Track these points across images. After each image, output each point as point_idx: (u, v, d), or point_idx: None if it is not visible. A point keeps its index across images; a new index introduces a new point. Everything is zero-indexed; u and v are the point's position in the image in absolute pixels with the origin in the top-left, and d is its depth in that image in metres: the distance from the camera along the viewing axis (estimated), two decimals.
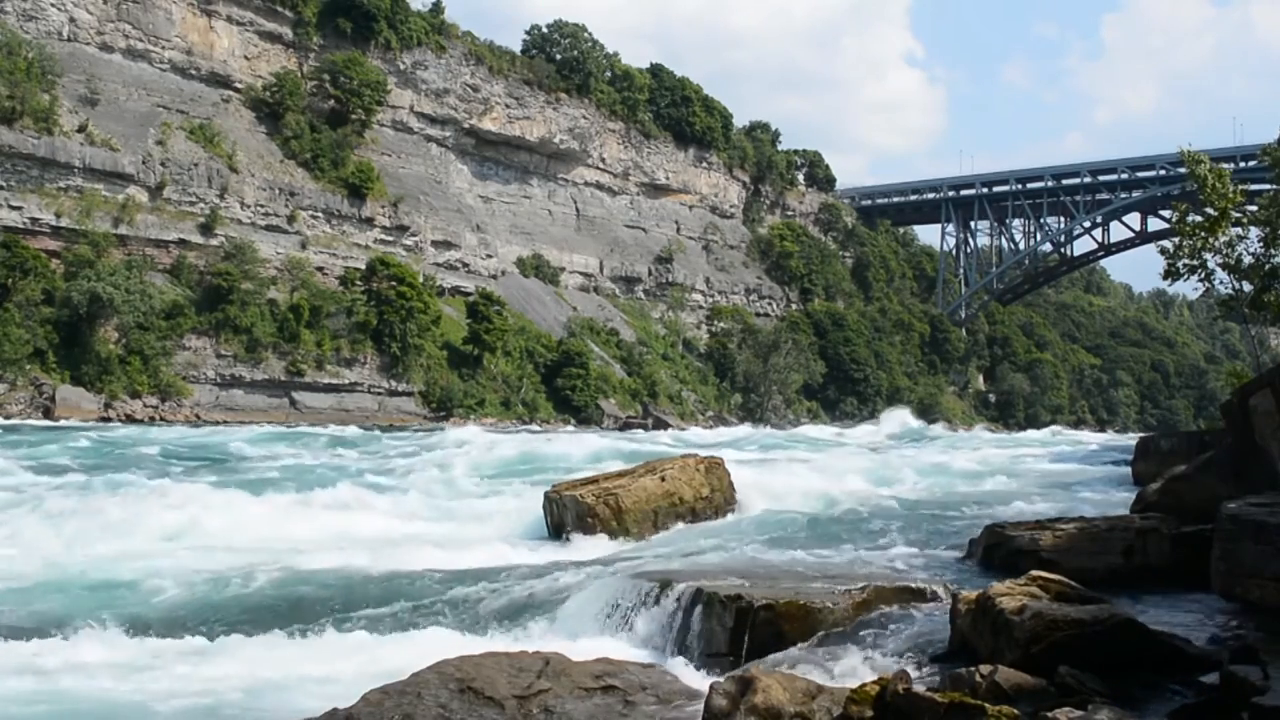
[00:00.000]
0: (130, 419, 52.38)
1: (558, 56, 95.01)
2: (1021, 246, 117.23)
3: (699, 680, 8.11)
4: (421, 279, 73.20)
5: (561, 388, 76.08)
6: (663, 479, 16.33)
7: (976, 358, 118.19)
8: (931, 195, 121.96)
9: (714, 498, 16.96)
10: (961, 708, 5.95)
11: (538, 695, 7.60)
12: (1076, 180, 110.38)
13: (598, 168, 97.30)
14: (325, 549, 14.38)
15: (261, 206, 67.88)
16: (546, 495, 16.20)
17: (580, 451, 29.05)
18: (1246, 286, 25.63)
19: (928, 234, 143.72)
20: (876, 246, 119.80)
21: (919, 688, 6.31)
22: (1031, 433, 75.21)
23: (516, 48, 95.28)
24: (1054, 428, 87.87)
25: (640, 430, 64.37)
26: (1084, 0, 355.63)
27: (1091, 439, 58.33)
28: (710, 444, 34.65)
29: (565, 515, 15.61)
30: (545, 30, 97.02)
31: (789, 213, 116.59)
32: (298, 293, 65.49)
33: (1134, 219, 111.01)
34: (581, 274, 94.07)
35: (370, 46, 78.69)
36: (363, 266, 70.14)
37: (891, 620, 9.09)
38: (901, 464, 25.36)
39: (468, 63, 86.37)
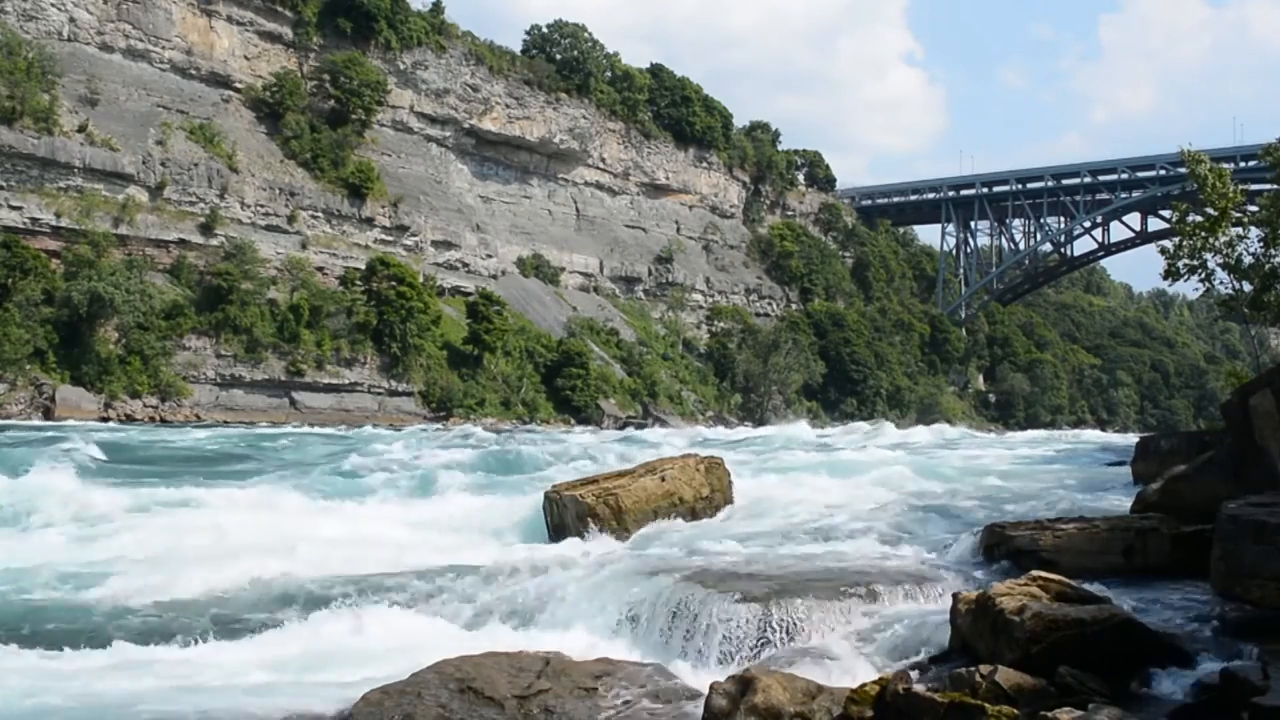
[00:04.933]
0: (130, 419, 52.38)
1: (558, 56, 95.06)
2: (1021, 246, 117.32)
3: (699, 680, 8.11)
4: (421, 279, 73.21)
5: (561, 388, 76.08)
6: (663, 479, 16.32)
7: (976, 358, 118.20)
8: (931, 195, 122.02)
9: (714, 497, 16.95)
10: (961, 708, 5.95)
11: (538, 695, 7.61)
12: (1076, 180, 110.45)
13: (598, 168, 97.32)
14: (328, 548, 14.37)
15: (261, 206, 67.88)
16: (546, 495, 16.19)
17: None
18: (1246, 286, 25.65)
19: (928, 234, 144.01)
20: (876, 246, 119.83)
21: (919, 688, 6.32)
22: (1031, 432, 75.00)
23: (516, 48, 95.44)
24: (1071, 430, 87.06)
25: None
26: (1081, 0, 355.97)
27: (1091, 438, 58.25)
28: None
29: (565, 515, 15.60)
30: (545, 30, 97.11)
31: (789, 213, 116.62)
32: (298, 293, 65.48)
33: (1134, 219, 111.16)
34: (581, 274, 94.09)
35: (370, 46, 78.70)
36: (363, 266, 70.14)
37: (891, 620, 9.09)
38: (900, 464, 25.32)
39: (468, 63, 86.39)
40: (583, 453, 28.37)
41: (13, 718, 7.70)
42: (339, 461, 27.00)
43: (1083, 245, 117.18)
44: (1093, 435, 69.70)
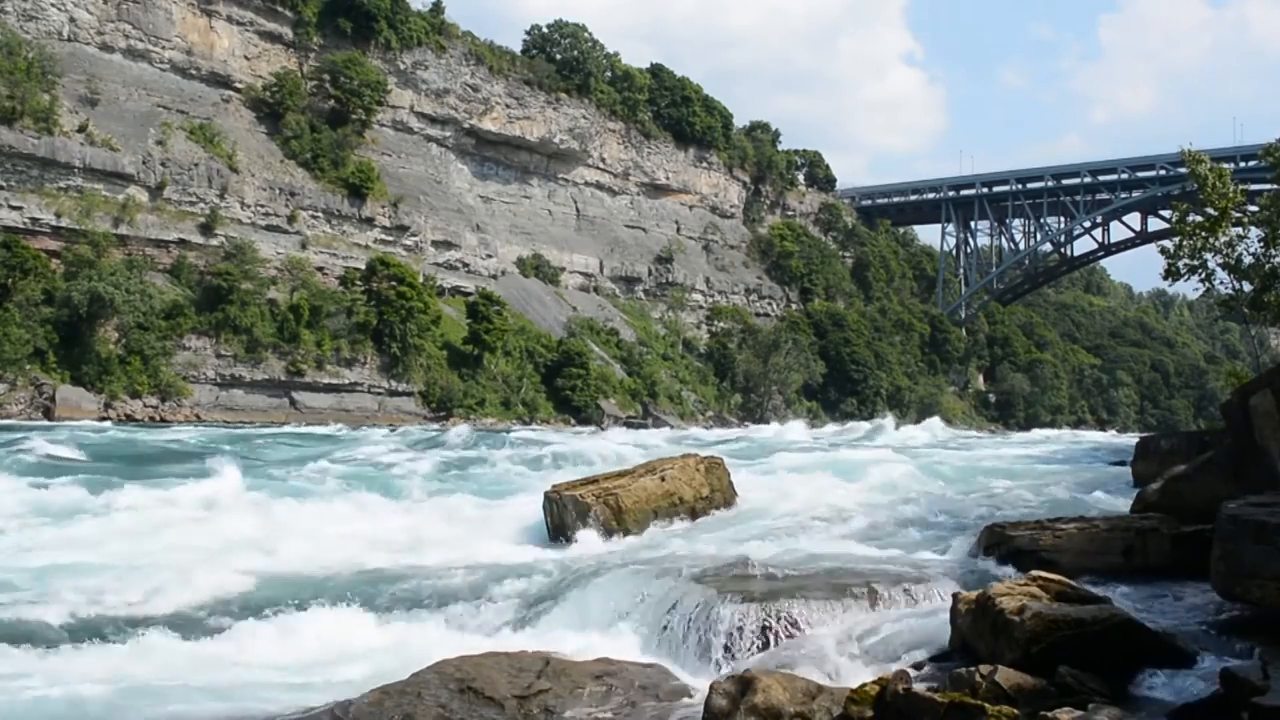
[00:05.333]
0: (130, 419, 52.37)
1: (558, 56, 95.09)
2: (1021, 246, 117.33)
3: (699, 680, 8.11)
4: (421, 279, 73.22)
5: (561, 388, 76.08)
6: (662, 479, 16.32)
7: (976, 358, 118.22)
8: (931, 195, 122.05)
9: (714, 497, 16.95)
10: (961, 708, 5.95)
11: (538, 695, 7.61)
12: (1076, 180, 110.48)
13: (598, 168, 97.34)
14: (329, 548, 14.38)
15: (261, 206, 67.89)
16: (546, 495, 16.17)
17: None
18: (1246, 286, 25.68)
19: (928, 234, 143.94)
20: (876, 246, 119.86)
21: (919, 688, 6.31)
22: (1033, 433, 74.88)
23: (516, 48, 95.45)
24: (1071, 430, 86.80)
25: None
26: (1081, 0, 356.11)
27: (1091, 438, 58.19)
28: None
29: (565, 515, 15.59)
30: (545, 30, 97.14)
31: (789, 213, 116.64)
32: (298, 293, 65.49)
33: (1134, 219, 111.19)
34: (581, 274, 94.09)
35: (370, 46, 78.73)
36: (363, 266, 70.15)
37: (891, 620, 9.08)
38: (900, 464, 25.33)
39: (468, 63, 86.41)
40: (554, 462, 27.82)
41: None
42: (303, 464, 26.56)
43: (1083, 245, 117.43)
44: (1093, 435, 69.63)
